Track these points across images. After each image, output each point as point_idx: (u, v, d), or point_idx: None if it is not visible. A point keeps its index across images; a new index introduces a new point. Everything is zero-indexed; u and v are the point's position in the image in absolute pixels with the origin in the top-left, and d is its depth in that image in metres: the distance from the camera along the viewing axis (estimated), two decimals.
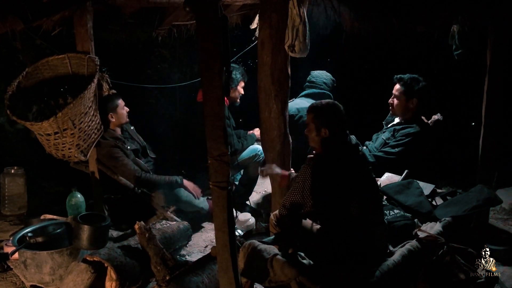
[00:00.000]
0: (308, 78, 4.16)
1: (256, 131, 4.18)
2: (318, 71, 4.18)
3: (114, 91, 3.71)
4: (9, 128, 4.22)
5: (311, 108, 2.53)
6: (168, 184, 3.59)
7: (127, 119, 3.75)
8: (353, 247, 2.37)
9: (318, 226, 2.59)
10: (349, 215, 2.38)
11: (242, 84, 4.10)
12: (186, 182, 3.68)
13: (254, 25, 3.87)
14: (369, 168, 2.53)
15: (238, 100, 4.14)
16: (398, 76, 3.60)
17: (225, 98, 2.10)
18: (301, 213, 2.50)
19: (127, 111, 3.73)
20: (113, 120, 3.62)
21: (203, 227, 3.82)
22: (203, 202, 3.76)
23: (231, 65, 3.90)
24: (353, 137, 2.52)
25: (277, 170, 2.82)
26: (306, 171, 2.42)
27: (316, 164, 2.42)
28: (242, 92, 4.13)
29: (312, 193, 2.40)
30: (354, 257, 2.35)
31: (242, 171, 4.20)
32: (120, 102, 3.66)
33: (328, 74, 4.16)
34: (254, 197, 4.23)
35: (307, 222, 2.64)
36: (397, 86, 3.59)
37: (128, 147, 3.66)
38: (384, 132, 3.71)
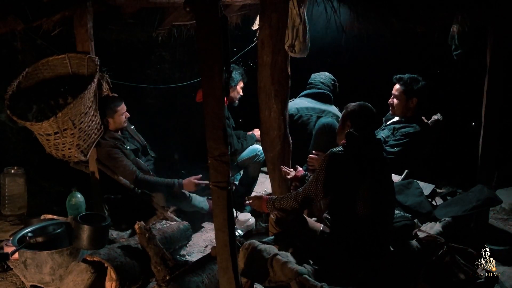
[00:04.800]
0: (309, 80, 4.16)
1: (256, 132, 4.17)
2: (318, 72, 4.18)
3: (115, 94, 3.66)
4: (10, 124, 4.19)
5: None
6: (166, 187, 3.55)
7: (125, 124, 3.69)
8: (355, 245, 2.37)
9: (322, 226, 2.60)
10: (355, 213, 2.38)
11: (241, 84, 4.09)
12: (185, 182, 3.58)
13: (255, 26, 3.86)
14: (388, 170, 2.54)
15: (237, 101, 4.13)
16: (398, 76, 3.62)
17: (225, 98, 2.10)
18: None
19: (126, 117, 3.67)
20: (110, 124, 3.60)
21: (203, 227, 3.82)
22: (203, 202, 3.75)
23: (231, 65, 3.88)
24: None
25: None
26: (323, 162, 2.45)
27: (333, 155, 2.44)
28: (241, 93, 4.11)
29: (324, 185, 2.42)
30: (355, 256, 2.35)
31: (242, 171, 4.20)
32: (120, 108, 3.59)
33: (328, 74, 4.15)
34: None
35: (312, 221, 2.65)
36: (397, 86, 3.60)
37: (128, 147, 3.65)
38: (383, 129, 3.71)
